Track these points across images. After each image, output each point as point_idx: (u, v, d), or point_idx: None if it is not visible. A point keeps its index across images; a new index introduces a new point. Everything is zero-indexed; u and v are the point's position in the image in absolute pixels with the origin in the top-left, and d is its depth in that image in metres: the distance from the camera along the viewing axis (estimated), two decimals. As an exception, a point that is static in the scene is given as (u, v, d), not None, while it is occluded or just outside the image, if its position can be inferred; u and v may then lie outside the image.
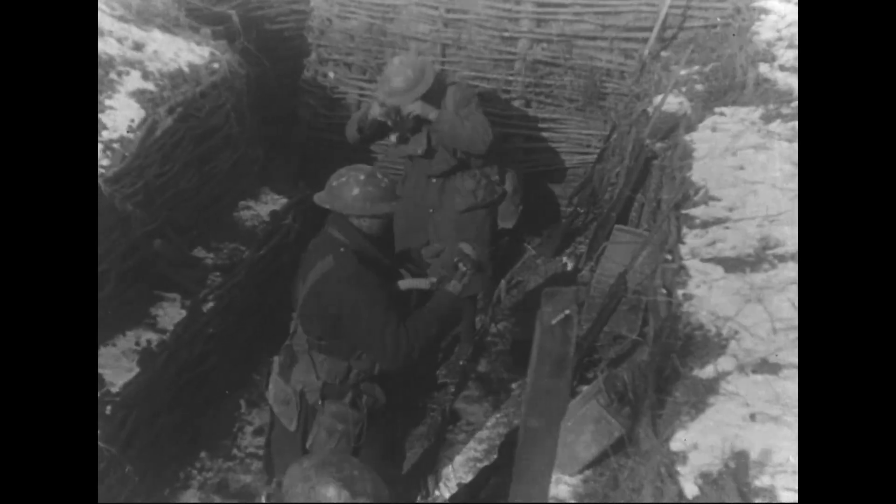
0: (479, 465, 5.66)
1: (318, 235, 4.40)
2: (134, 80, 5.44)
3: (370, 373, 4.34)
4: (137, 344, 5.08)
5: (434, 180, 6.11)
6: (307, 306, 4.28)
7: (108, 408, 4.65)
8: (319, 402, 4.35)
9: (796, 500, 2.83)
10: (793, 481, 2.90)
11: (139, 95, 5.35)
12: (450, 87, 5.97)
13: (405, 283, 4.43)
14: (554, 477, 3.82)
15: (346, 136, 6.27)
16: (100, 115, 5.08)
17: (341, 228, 4.26)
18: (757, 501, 2.87)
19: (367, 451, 4.35)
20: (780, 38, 6.28)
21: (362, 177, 4.25)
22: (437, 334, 4.29)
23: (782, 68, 5.96)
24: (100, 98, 5.18)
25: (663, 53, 6.99)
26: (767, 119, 5.42)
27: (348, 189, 4.22)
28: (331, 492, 2.88)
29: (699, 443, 3.21)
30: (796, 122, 5.25)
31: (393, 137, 5.97)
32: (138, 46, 5.75)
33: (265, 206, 6.67)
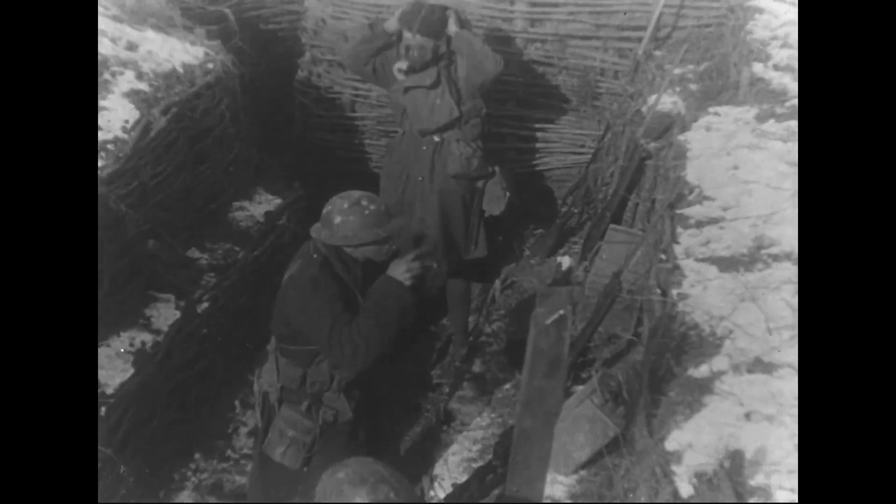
0: (474, 466, 5.66)
1: (306, 241, 4.39)
2: (128, 81, 5.42)
3: (329, 384, 4.32)
4: (132, 345, 5.07)
5: (424, 147, 6.09)
6: (275, 309, 4.31)
7: (103, 409, 4.65)
8: (276, 406, 4.38)
9: (791, 499, 2.83)
10: (788, 480, 2.91)
11: (133, 96, 5.33)
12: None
13: None
14: (549, 477, 3.83)
15: (347, 62, 6.36)
16: (93, 116, 5.08)
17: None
18: (752, 501, 2.87)
19: (318, 462, 4.32)
20: (774, 38, 6.28)
21: (346, 205, 4.16)
22: (387, 326, 4.06)
23: (776, 68, 5.96)
24: (94, 98, 5.18)
25: (657, 53, 6.99)
26: (762, 119, 5.43)
27: (332, 218, 4.17)
28: None
29: (694, 442, 3.22)
30: (790, 122, 5.25)
31: (402, 66, 5.93)
32: (132, 46, 5.74)
33: (260, 206, 6.65)
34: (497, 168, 6.26)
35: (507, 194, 6.28)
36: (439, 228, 6.16)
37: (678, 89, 6.41)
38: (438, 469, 5.72)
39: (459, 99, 5.92)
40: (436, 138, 6.06)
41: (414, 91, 5.98)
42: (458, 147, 6.04)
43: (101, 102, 5.13)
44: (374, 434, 4.72)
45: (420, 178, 6.13)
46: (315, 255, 4.17)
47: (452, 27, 5.79)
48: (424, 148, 6.09)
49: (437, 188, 6.12)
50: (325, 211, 4.22)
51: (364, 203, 4.17)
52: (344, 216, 4.13)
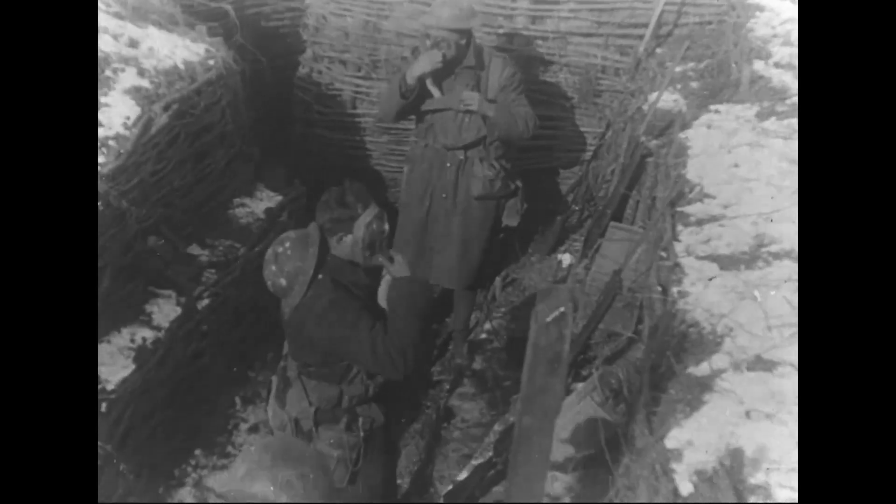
0: (474, 463, 5.66)
1: None
2: (129, 77, 5.42)
3: (365, 396, 4.22)
4: (132, 341, 5.07)
5: (449, 164, 6.03)
6: (291, 336, 4.17)
7: (104, 405, 4.65)
8: (314, 429, 4.21)
9: (791, 497, 2.84)
10: (788, 479, 2.91)
11: (135, 92, 5.33)
12: (495, 59, 5.89)
13: (380, 293, 4.31)
14: (549, 474, 3.83)
15: (381, 118, 6.33)
16: (94, 113, 5.08)
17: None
18: (752, 499, 2.87)
19: (366, 471, 4.28)
20: (775, 35, 6.29)
21: (273, 267, 3.99)
22: (416, 325, 3.99)
23: (777, 65, 5.97)
24: (94, 95, 5.18)
25: (658, 50, 7.00)
26: (762, 116, 5.43)
27: (283, 283, 4.00)
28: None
29: (694, 440, 3.22)
30: (791, 120, 5.26)
31: (435, 92, 5.85)
32: (134, 43, 5.74)
33: (260, 203, 6.66)
34: (520, 184, 6.24)
35: (525, 206, 6.28)
36: (459, 246, 6.17)
37: (679, 87, 6.42)
38: (438, 466, 5.73)
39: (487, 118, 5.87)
40: (460, 155, 6.00)
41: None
42: (482, 168, 5.99)
43: (102, 99, 5.14)
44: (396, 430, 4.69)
45: (444, 196, 6.10)
46: (321, 276, 4.01)
47: (489, 111, 5.72)
48: (449, 165, 6.02)
49: (460, 208, 6.10)
50: (275, 287, 4.05)
51: (280, 250, 4.01)
52: (284, 275, 3.99)
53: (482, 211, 6.15)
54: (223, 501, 2.71)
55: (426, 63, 5.68)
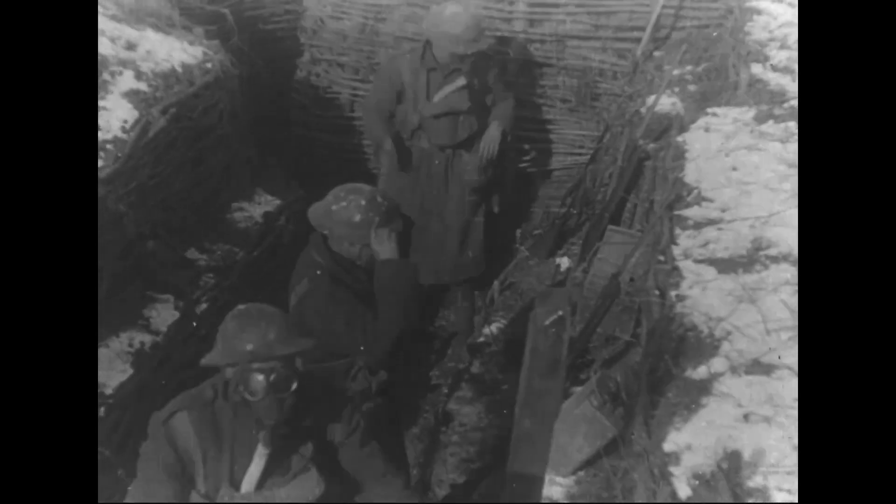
0: (472, 467, 5.66)
1: (303, 254, 4.28)
2: (127, 81, 5.41)
3: (369, 392, 4.24)
4: (131, 345, 5.06)
5: (437, 161, 6.19)
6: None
7: (102, 409, 4.64)
8: None
9: (790, 500, 2.84)
10: (786, 481, 2.91)
11: (132, 96, 5.32)
12: (507, 101, 6.36)
13: None
14: (547, 478, 3.83)
15: (373, 140, 6.63)
16: (92, 116, 5.06)
17: (319, 250, 4.13)
18: (750, 502, 2.87)
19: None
20: (772, 39, 6.29)
21: (363, 202, 4.04)
22: (404, 306, 4.04)
23: (775, 69, 5.97)
24: (92, 99, 5.17)
25: (656, 53, 7.00)
26: (760, 119, 5.43)
27: (349, 214, 4.03)
28: None
29: (692, 443, 3.22)
30: (789, 123, 5.26)
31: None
32: (131, 46, 5.73)
33: (258, 207, 6.64)
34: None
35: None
36: (458, 235, 6.27)
37: (677, 90, 6.41)
38: (436, 470, 5.72)
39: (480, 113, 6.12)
40: (448, 151, 6.20)
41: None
42: (472, 158, 6.20)
43: (100, 102, 5.13)
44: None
45: (435, 192, 6.20)
46: (319, 272, 4.07)
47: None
48: (437, 162, 6.20)
49: (453, 200, 6.27)
50: (335, 207, 4.09)
51: (379, 200, 4.13)
52: (364, 213, 4.04)
53: (473, 201, 6.35)
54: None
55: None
